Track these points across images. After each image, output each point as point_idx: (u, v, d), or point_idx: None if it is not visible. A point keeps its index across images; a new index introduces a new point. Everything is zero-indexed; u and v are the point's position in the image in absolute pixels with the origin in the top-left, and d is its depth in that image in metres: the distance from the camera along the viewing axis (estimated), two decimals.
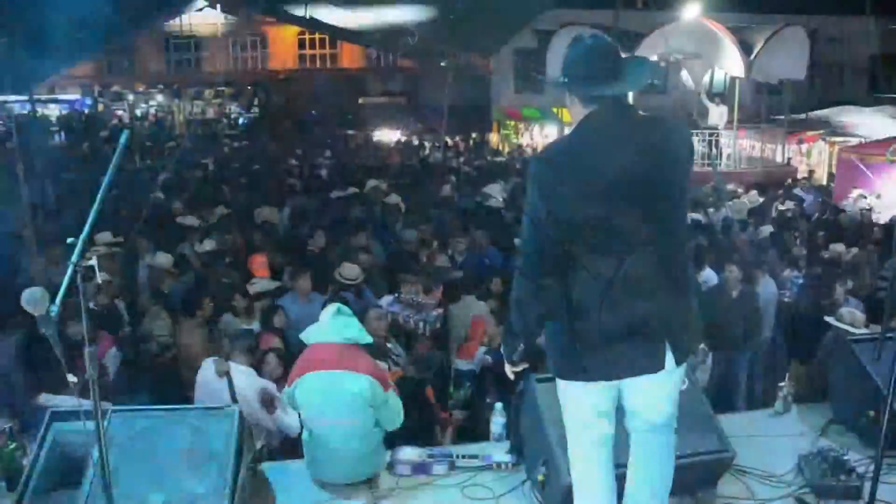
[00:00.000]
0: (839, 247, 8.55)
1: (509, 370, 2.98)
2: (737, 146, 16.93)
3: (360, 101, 34.54)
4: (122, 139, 2.53)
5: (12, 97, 16.67)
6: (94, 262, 2.17)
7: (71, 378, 2.16)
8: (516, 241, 2.97)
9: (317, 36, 34.36)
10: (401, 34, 16.16)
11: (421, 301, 6.69)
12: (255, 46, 35.45)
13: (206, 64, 35.19)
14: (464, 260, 8.18)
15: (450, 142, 25.54)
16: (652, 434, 2.89)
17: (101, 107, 36.20)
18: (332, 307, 3.81)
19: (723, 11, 18.02)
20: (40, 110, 33.73)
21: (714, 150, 15.57)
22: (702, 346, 6.28)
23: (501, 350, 2.96)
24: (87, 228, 2.21)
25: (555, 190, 2.51)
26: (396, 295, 6.41)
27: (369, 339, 3.76)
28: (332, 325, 3.69)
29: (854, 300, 6.60)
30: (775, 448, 3.85)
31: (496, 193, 11.73)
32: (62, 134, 31.07)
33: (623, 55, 2.67)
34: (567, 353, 2.70)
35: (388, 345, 5.46)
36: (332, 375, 3.55)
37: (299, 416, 3.86)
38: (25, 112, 23.29)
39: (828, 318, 5.34)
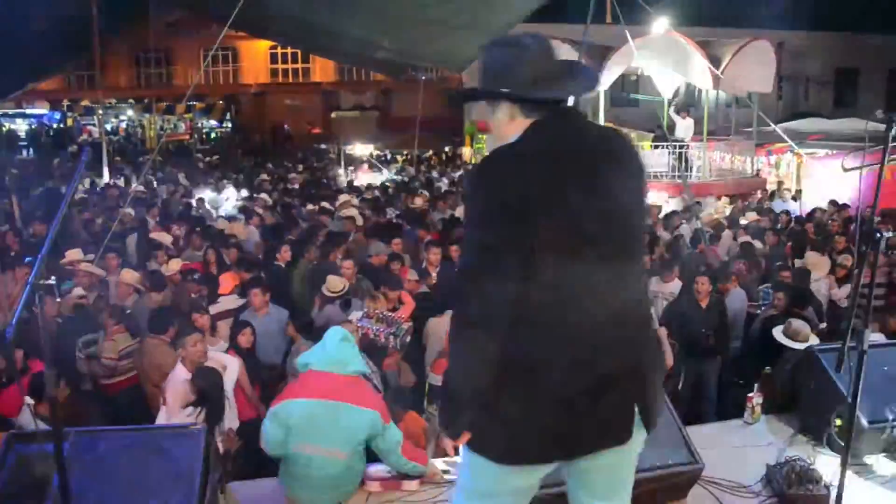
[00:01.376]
0: (813, 256, 8.64)
1: (450, 446, 2.31)
2: (707, 158, 17.13)
3: (333, 115, 34.55)
4: (84, 156, 2.50)
5: None
6: (52, 281, 2.13)
7: (27, 400, 2.12)
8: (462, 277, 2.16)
9: (289, 50, 34.35)
10: (374, 48, 16.16)
11: (391, 316, 6.66)
12: (227, 60, 35.31)
13: (177, 78, 34.97)
14: (438, 273, 8.17)
15: (422, 155, 25.64)
16: None
17: (69, 121, 35.85)
18: (337, 333, 3.69)
19: (691, 26, 18.31)
20: (7, 125, 33.41)
21: (683, 162, 15.72)
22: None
23: (439, 420, 2.25)
24: (45, 246, 2.18)
25: (510, 208, 2.02)
26: (365, 310, 6.38)
27: (367, 370, 3.71)
28: (338, 356, 3.60)
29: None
30: (744, 458, 3.88)
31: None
32: (30, 149, 30.73)
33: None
34: (507, 423, 2.12)
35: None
36: (335, 406, 3.46)
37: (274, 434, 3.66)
38: None
39: (774, 331, 5.41)
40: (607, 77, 15.94)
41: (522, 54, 2.15)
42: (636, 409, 2.18)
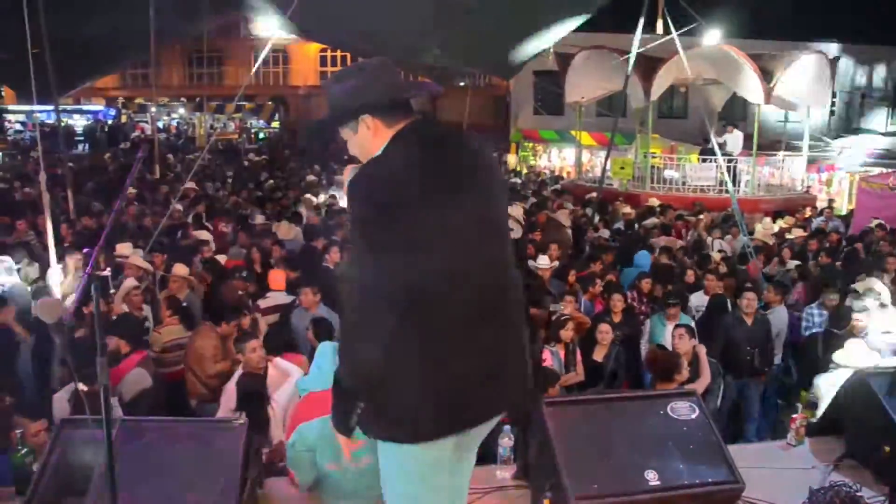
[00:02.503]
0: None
1: (345, 443, 2.47)
2: (755, 173, 16.86)
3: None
4: (140, 153, 2.57)
5: (38, 107, 16.95)
6: (108, 273, 2.20)
7: (81, 386, 2.18)
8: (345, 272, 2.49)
9: (338, 53, 34.66)
10: (423, 54, 16.23)
11: None
12: (278, 62, 35.81)
13: (228, 78, 35.57)
14: None
15: None
16: None
17: (124, 118, 36.72)
18: (328, 350, 3.59)
19: (744, 38, 18.03)
20: (65, 120, 34.35)
21: (731, 176, 15.52)
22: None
23: (332, 421, 2.42)
24: (102, 239, 2.24)
25: (390, 210, 2.19)
26: None
27: None
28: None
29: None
30: (786, 481, 3.79)
31: (517, 216, 11.75)
32: (86, 144, 31.53)
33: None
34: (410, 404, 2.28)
35: None
36: None
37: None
38: (51, 122, 23.69)
39: (835, 355, 5.32)
40: (656, 88, 15.81)
41: (373, 72, 2.38)
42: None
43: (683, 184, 16.80)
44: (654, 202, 14.26)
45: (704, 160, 16.85)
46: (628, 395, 3.68)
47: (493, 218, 2.41)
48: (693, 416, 3.36)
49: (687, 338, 6.05)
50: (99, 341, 2.24)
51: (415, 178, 2.23)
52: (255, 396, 4.51)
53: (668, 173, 17.51)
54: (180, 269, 7.12)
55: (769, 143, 19.61)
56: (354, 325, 2.28)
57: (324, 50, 34.72)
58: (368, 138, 2.36)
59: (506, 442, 3.84)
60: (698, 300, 8.06)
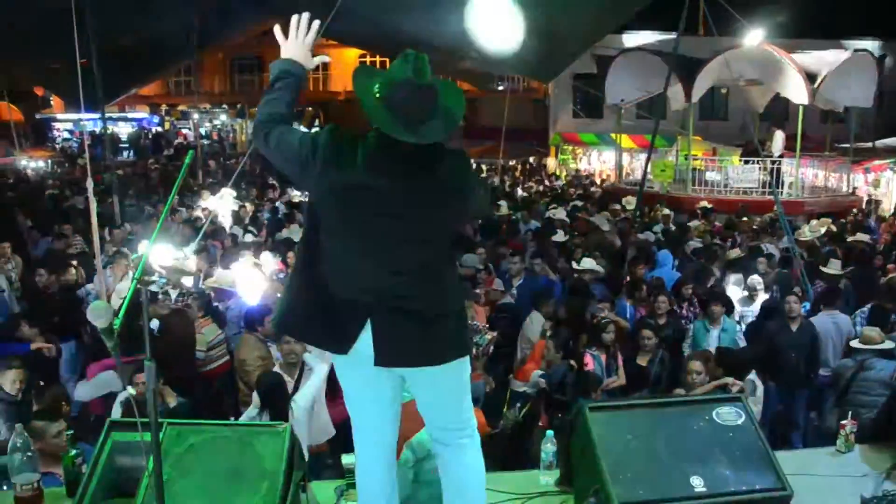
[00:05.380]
0: None
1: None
2: (800, 175, 16.54)
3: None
4: (187, 159, 2.61)
5: (86, 115, 17.40)
6: (156, 278, 2.23)
7: (129, 390, 2.22)
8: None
9: (377, 58, 34.86)
10: (461, 57, 16.25)
11: (477, 325, 6.68)
12: (317, 68, 35.97)
13: (268, 84, 36.07)
14: (521, 283, 8.18)
15: (507, 165, 25.65)
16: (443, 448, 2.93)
17: (167, 125, 37.42)
18: None
19: (787, 38, 17.72)
20: (111, 128, 35.17)
21: (774, 178, 15.25)
22: (751, 377, 6.15)
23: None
24: (150, 245, 2.28)
25: (330, 163, 2.53)
26: None
27: None
28: None
29: None
30: (836, 489, 3.71)
31: (561, 216, 11.71)
32: (131, 151, 32.22)
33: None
34: (290, 304, 2.81)
35: None
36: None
37: None
38: (97, 130, 24.26)
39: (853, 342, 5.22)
40: (697, 90, 15.62)
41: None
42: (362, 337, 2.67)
43: (726, 186, 16.55)
44: (705, 205, 14.06)
45: (747, 162, 16.59)
46: (673, 399, 3.63)
47: (423, 227, 2.63)
48: (739, 422, 3.30)
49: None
50: (148, 349, 2.27)
51: (362, 164, 2.53)
52: (274, 395, 4.54)
53: (710, 175, 17.27)
54: (224, 277, 7.20)
55: (811, 143, 19.24)
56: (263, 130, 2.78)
57: (363, 55, 34.95)
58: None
59: (549, 447, 3.81)
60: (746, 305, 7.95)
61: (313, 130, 2.70)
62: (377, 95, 2.51)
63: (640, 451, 3.13)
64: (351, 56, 35.33)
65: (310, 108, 36.90)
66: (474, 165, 26.83)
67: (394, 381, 2.86)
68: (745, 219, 12.63)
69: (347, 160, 2.53)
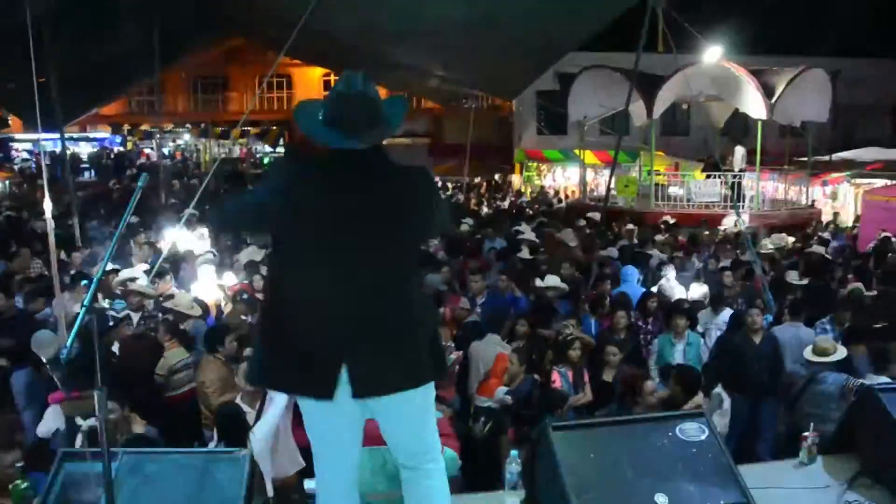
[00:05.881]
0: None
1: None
2: (760, 188, 16.83)
3: (384, 141, 34.89)
4: (140, 181, 2.56)
5: (45, 135, 17.09)
6: (106, 303, 2.17)
7: (89, 421, 2.15)
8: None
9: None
10: (428, 76, 16.34)
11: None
12: (281, 87, 36.03)
13: (232, 103, 35.80)
14: (485, 301, 8.16)
15: (472, 182, 25.74)
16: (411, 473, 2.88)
17: (129, 145, 36.97)
18: None
19: (744, 55, 18.06)
20: (72, 148, 34.65)
21: (736, 192, 15.49)
22: (717, 391, 6.20)
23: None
24: (99, 271, 2.22)
25: (283, 196, 2.59)
26: None
27: None
28: None
29: None
30: (799, 501, 3.73)
31: (527, 234, 11.71)
32: (92, 171, 31.72)
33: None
34: (259, 355, 2.84)
35: None
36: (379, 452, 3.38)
37: None
38: (56, 150, 23.85)
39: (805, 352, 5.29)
40: (659, 106, 15.84)
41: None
42: (343, 372, 2.62)
43: (688, 200, 16.77)
44: (668, 220, 14.22)
45: (709, 176, 16.83)
46: (636, 417, 3.63)
47: (384, 231, 2.63)
48: (702, 437, 3.31)
49: None
50: (98, 376, 2.21)
51: (316, 189, 2.59)
52: (232, 426, 4.42)
53: (672, 190, 17.48)
54: (183, 299, 7.06)
55: (770, 158, 19.59)
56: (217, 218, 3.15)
57: (327, 74, 34.92)
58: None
59: (513, 467, 3.78)
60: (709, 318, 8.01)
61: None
62: (320, 119, 2.60)
63: (605, 470, 3.12)
64: (315, 75, 35.33)
65: (274, 127, 36.75)
66: (439, 183, 26.95)
67: (361, 408, 2.80)
68: (707, 232, 12.79)
69: (303, 184, 2.59)
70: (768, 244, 11.60)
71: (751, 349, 6.87)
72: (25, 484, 3.35)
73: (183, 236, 9.54)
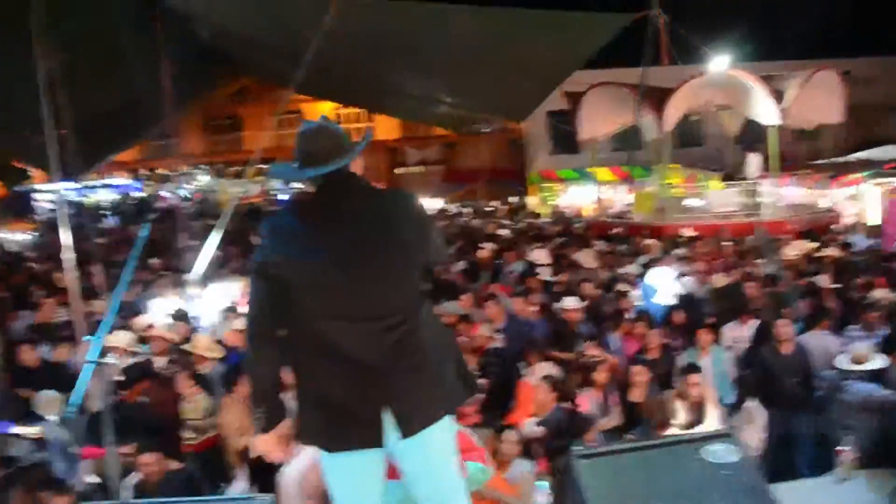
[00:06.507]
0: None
1: (258, 443, 2.77)
2: (778, 195, 16.64)
3: (397, 171, 35.09)
4: (142, 233, 2.56)
5: (64, 184, 17.27)
6: (111, 359, 2.15)
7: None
8: None
9: (351, 110, 35.12)
10: (435, 103, 16.40)
11: None
12: (293, 123, 36.36)
13: (246, 143, 36.15)
14: (506, 327, 8.05)
15: (489, 207, 25.73)
16: None
17: (148, 189, 37.39)
18: None
19: (751, 61, 17.97)
20: (92, 196, 35.15)
21: (754, 200, 15.33)
22: (749, 404, 6.05)
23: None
24: (106, 325, 2.19)
25: (279, 251, 2.63)
26: None
27: None
28: None
29: None
30: None
31: (542, 259, 11.63)
32: (115, 218, 32.10)
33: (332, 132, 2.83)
34: (300, 417, 2.71)
35: None
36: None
37: None
38: (76, 199, 24.17)
39: (837, 360, 5.14)
40: (669, 119, 15.78)
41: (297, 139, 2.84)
42: (385, 417, 2.60)
43: (707, 211, 16.61)
44: (687, 232, 14.05)
45: (728, 186, 16.71)
46: (661, 441, 3.52)
47: (385, 265, 2.64)
48: (733, 458, 3.19)
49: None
50: (109, 433, 2.17)
51: (306, 233, 2.65)
52: (261, 465, 4.35)
53: (689, 202, 17.34)
54: (202, 342, 7.03)
55: (788, 163, 19.40)
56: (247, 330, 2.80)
57: (338, 108, 35.20)
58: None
59: (542, 499, 3.71)
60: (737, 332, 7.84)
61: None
62: (295, 166, 2.80)
63: (633, 498, 3.02)
64: (325, 109, 35.58)
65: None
66: (454, 209, 27.00)
67: (381, 457, 2.75)
68: (729, 242, 12.62)
69: (292, 230, 2.65)
70: (790, 251, 11.42)
71: (781, 361, 6.73)
72: None
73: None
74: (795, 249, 11.50)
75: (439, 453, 2.76)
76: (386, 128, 36.23)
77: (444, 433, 2.74)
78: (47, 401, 3.21)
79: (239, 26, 13.75)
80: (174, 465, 4.87)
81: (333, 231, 2.62)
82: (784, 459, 6.44)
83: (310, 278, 2.60)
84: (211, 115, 34.54)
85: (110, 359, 2.07)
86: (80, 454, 4.83)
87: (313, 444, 2.80)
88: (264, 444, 2.72)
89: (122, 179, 37.21)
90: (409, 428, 2.62)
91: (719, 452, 3.19)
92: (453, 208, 26.97)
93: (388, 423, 2.61)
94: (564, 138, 24.62)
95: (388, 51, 12.39)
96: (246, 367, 2.87)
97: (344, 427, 2.62)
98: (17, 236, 25.27)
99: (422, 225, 2.77)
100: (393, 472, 3.10)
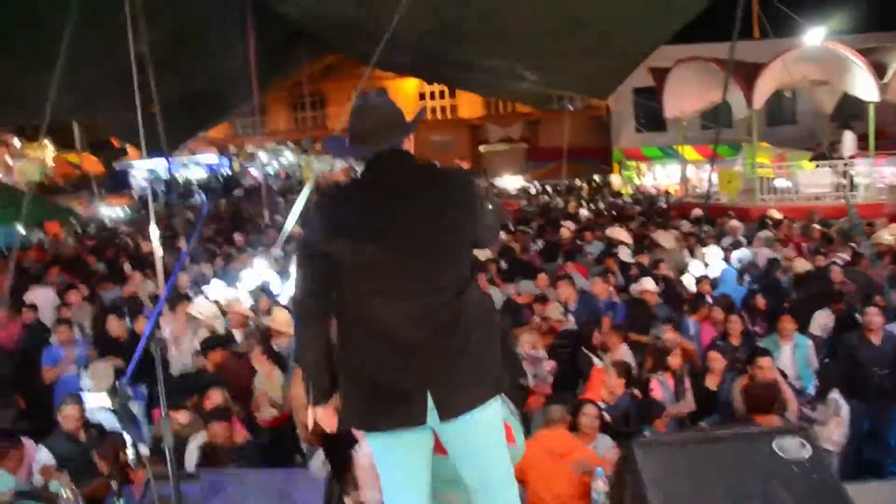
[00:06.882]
0: None
1: (311, 416, 2.77)
2: (874, 175, 15.79)
3: (481, 149, 35.02)
4: (204, 211, 2.61)
5: (157, 162, 17.96)
6: (166, 335, 2.20)
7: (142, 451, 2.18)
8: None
9: (436, 87, 35.15)
10: (517, 80, 16.22)
11: (536, 355, 6.52)
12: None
13: (330, 119, 36.70)
14: (579, 308, 7.94)
15: (572, 185, 25.40)
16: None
17: (236, 166, 38.49)
18: None
19: (849, 33, 17.04)
20: (184, 173, 36.48)
21: (846, 180, 14.59)
22: (833, 396, 5.78)
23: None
24: (161, 301, 2.25)
25: (328, 229, 2.62)
26: None
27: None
28: None
29: None
30: None
31: (622, 238, 11.39)
32: (203, 195, 33.21)
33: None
34: (344, 396, 2.68)
35: None
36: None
37: None
38: (166, 177, 25.11)
39: None
40: (760, 95, 15.17)
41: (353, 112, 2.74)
42: (428, 397, 2.58)
43: (796, 192, 15.94)
44: (775, 214, 13.49)
45: (818, 166, 15.97)
46: (728, 432, 3.38)
47: (434, 243, 2.61)
48: (804, 454, 3.05)
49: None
50: (163, 403, 2.24)
51: (357, 210, 2.63)
52: (336, 442, 4.43)
53: (778, 182, 16.66)
54: (281, 316, 7.10)
55: (892, 141, 18.35)
56: (294, 306, 2.83)
57: (421, 85, 35.29)
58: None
59: (599, 486, 3.65)
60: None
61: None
62: (347, 142, 2.74)
63: (694, 489, 2.92)
64: (410, 86, 35.73)
65: None
66: (536, 187, 26.78)
67: (429, 435, 2.75)
68: (815, 225, 12.08)
69: (344, 217, 2.62)
70: (886, 235, 10.82)
71: (869, 350, 6.42)
72: (122, 500, 3.48)
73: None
74: (891, 233, 10.90)
75: (481, 438, 2.71)
76: (469, 105, 36.15)
77: (486, 417, 2.69)
78: (98, 372, 3.39)
79: (326, 5, 13.87)
80: (242, 436, 5.00)
81: (383, 209, 2.60)
82: (869, 456, 6.15)
83: (358, 256, 2.59)
84: (297, 92, 35.15)
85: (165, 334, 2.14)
86: (150, 418, 5.05)
87: (355, 426, 2.82)
88: (319, 416, 2.74)
89: (211, 156, 38.37)
90: (446, 411, 2.59)
91: (791, 447, 3.05)
92: (536, 186, 26.73)
93: (429, 406, 2.60)
94: (650, 116, 24.06)
95: (471, 27, 12.30)
96: (296, 345, 2.89)
97: (387, 405, 2.61)
98: (116, 211, 26.43)
99: (472, 205, 2.71)
100: (442, 447, 3.11)
